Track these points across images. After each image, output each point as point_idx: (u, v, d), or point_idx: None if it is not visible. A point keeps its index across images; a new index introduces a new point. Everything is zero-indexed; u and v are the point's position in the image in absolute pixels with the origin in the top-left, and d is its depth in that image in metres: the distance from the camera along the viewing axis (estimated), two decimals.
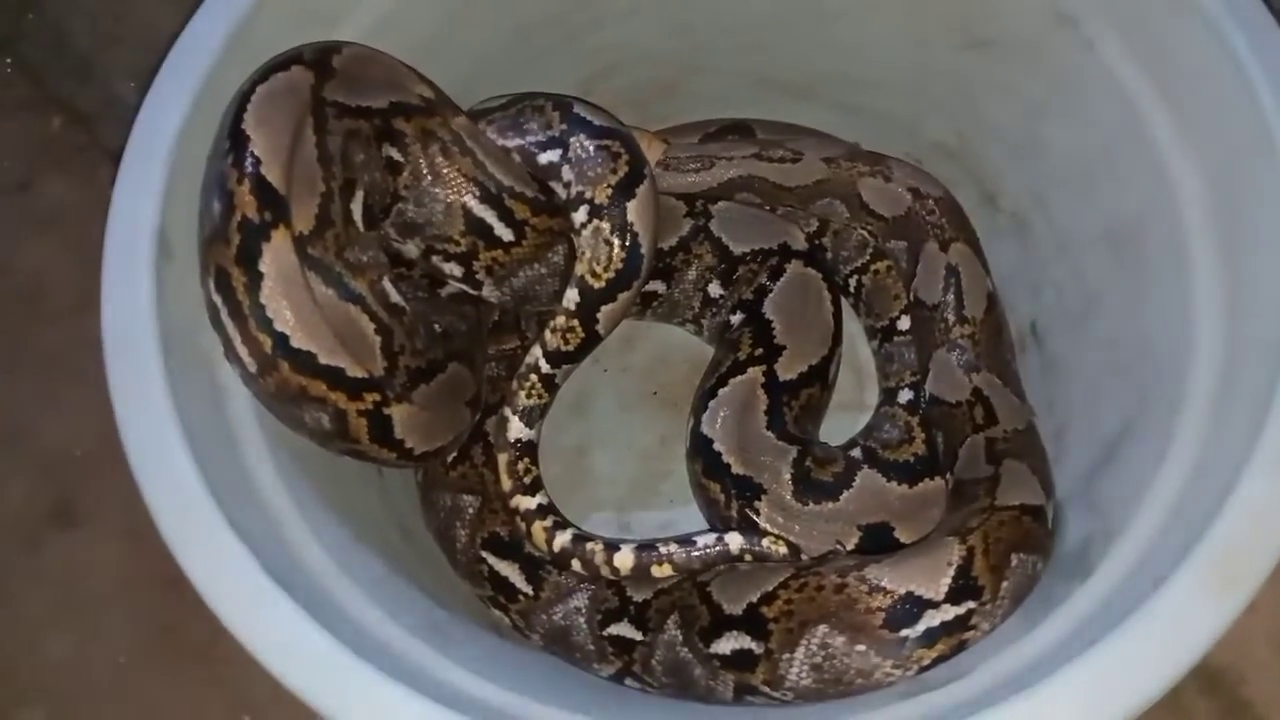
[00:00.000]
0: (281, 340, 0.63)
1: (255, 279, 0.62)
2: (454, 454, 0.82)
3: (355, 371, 0.65)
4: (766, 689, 0.67)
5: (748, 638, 0.67)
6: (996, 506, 0.69)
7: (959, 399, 0.81)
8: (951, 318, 0.84)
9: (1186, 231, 0.68)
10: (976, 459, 0.76)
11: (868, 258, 0.94)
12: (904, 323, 0.91)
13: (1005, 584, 0.65)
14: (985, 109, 0.86)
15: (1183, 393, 0.64)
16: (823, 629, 0.65)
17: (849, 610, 0.64)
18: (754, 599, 0.67)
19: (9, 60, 1.26)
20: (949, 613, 0.64)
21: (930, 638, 0.64)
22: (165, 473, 0.58)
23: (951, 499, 0.78)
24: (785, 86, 0.94)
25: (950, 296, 0.84)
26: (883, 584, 0.64)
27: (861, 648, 0.64)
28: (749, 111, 0.97)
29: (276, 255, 0.62)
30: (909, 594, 0.64)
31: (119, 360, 0.61)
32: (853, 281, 0.95)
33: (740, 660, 0.68)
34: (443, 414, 0.73)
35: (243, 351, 0.64)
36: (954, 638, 0.64)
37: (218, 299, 0.64)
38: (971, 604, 0.64)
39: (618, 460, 0.95)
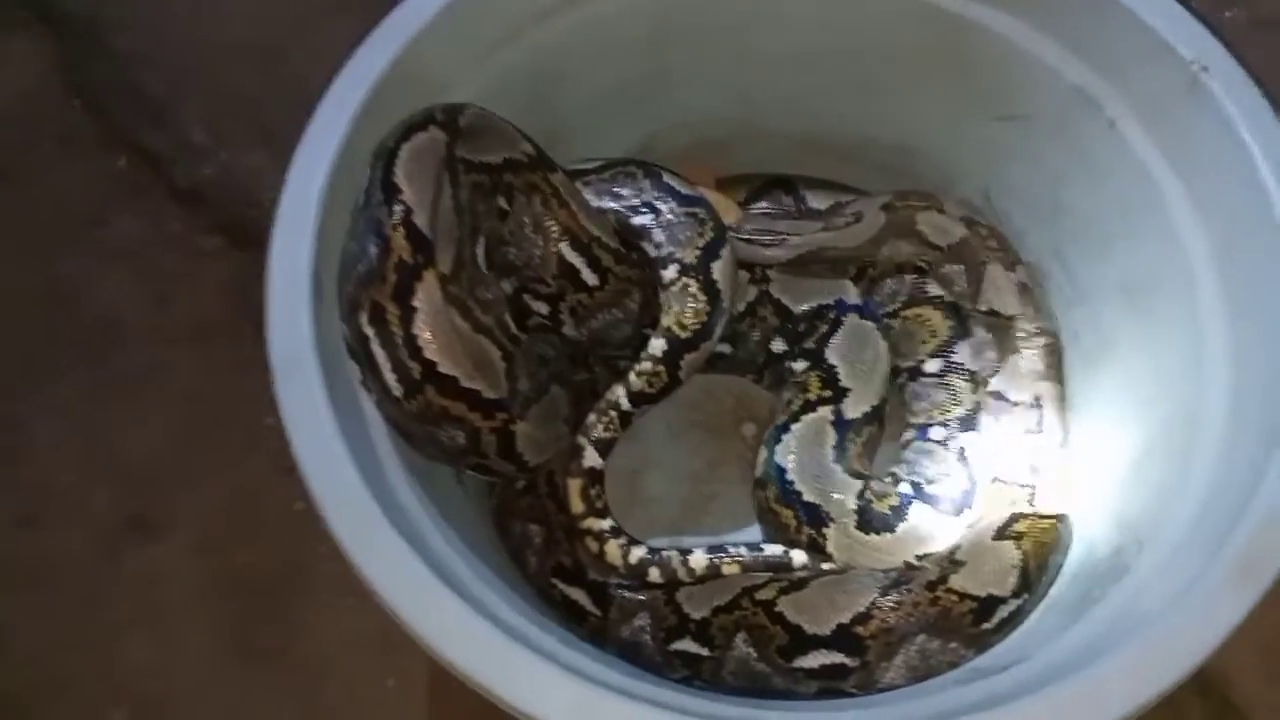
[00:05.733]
0: (430, 367, 0.71)
1: (409, 313, 0.71)
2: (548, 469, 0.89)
3: (489, 394, 0.74)
4: (856, 690, 0.77)
5: (841, 654, 0.76)
6: (1039, 514, 0.83)
7: (1020, 400, 0.91)
8: (1031, 328, 0.94)
9: (1195, 286, 0.79)
10: (1018, 463, 0.88)
11: (899, 304, 1.02)
12: (931, 365, 0.99)
13: (1044, 578, 0.81)
14: (1011, 174, 0.97)
15: (1198, 423, 0.75)
16: (921, 637, 0.76)
17: (944, 618, 0.76)
18: (844, 620, 0.77)
19: (77, 101, 1.32)
20: (1013, 604, 0.78)
21: (1000, 626, 0.77)
22: (338, 487, 0.66)
23: (990, 494, 0.89)
24: (829, 149, 1.04)
25: (1029, 309, 0.95)
26: (969, 591, 0.77)
27: (954, 644, 0.76)
28: (793, 169, 1.07)
29: (427, 292, 0.71)
30: (989, 595, 0.77)
31: (288, 386, 0.68)
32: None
33: (830, 672, 0.77)
34: (549, 430, 0.82)
35: (390, 378, 0.72)
36: (1014, 623, 0.78)
37: (369, 331, 0.72)
38: (1026, 596, 0.79)
39: (669, 482, 1.03)
